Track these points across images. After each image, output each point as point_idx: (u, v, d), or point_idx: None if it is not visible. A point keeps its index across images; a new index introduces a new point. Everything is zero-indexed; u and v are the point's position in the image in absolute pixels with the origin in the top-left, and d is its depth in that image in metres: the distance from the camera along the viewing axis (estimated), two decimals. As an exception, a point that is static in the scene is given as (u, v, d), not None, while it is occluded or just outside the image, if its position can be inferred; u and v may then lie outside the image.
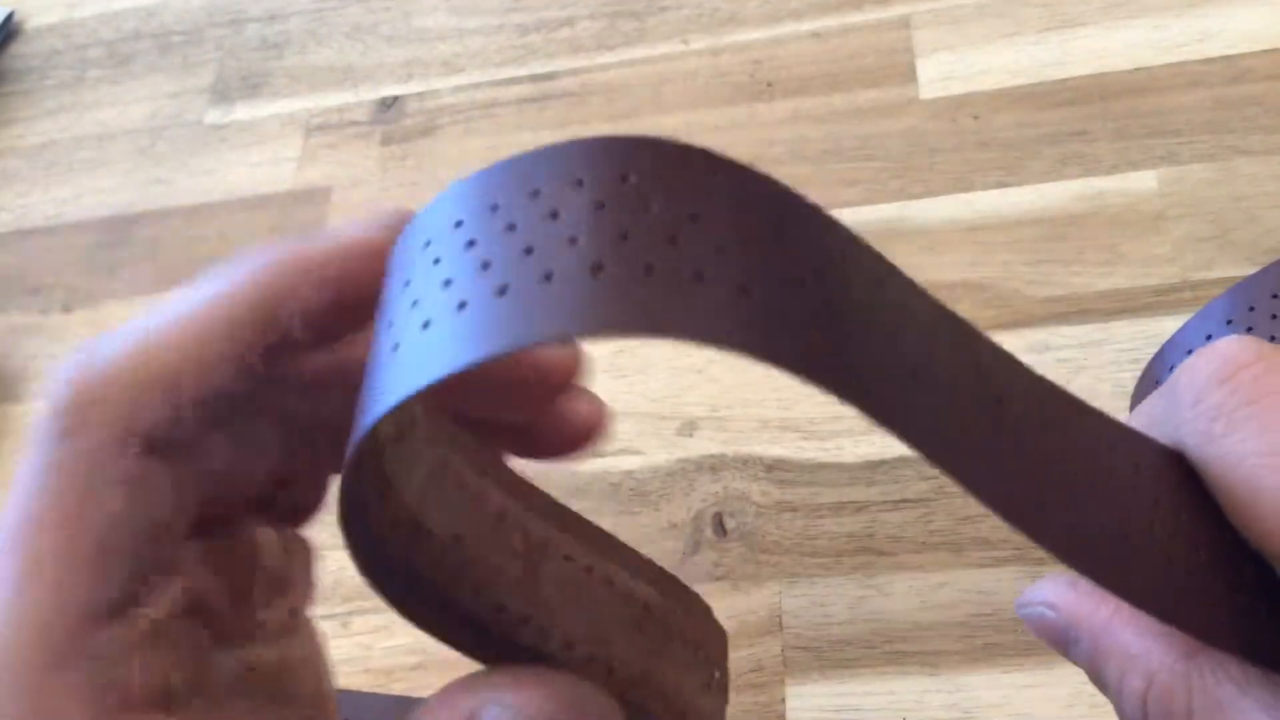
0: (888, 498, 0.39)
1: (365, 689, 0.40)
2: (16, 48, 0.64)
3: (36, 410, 0.51)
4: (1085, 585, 0.19)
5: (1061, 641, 0.20)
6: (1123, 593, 0.16)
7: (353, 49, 0.58)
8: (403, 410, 0.14)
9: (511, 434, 0.20)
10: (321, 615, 0.28)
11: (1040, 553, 0.37)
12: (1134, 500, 0.17)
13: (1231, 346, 0.18)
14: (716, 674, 0.21)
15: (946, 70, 0.48)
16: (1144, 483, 0.17)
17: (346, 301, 0.17)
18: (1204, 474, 0.17)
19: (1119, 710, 0.19)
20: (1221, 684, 0.17)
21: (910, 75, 0.48)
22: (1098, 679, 0.19)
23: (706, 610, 0.22)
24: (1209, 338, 0.33)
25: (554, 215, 0.14)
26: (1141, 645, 0.18)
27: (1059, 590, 0.20)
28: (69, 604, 0.16)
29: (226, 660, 0.19)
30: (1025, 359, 0.17)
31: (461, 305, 0.13)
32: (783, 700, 0.36)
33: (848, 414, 0.39)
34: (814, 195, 0.14)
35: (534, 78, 0.54)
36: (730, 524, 0.40)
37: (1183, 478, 0.18)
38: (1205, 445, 0.17)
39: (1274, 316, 0.33)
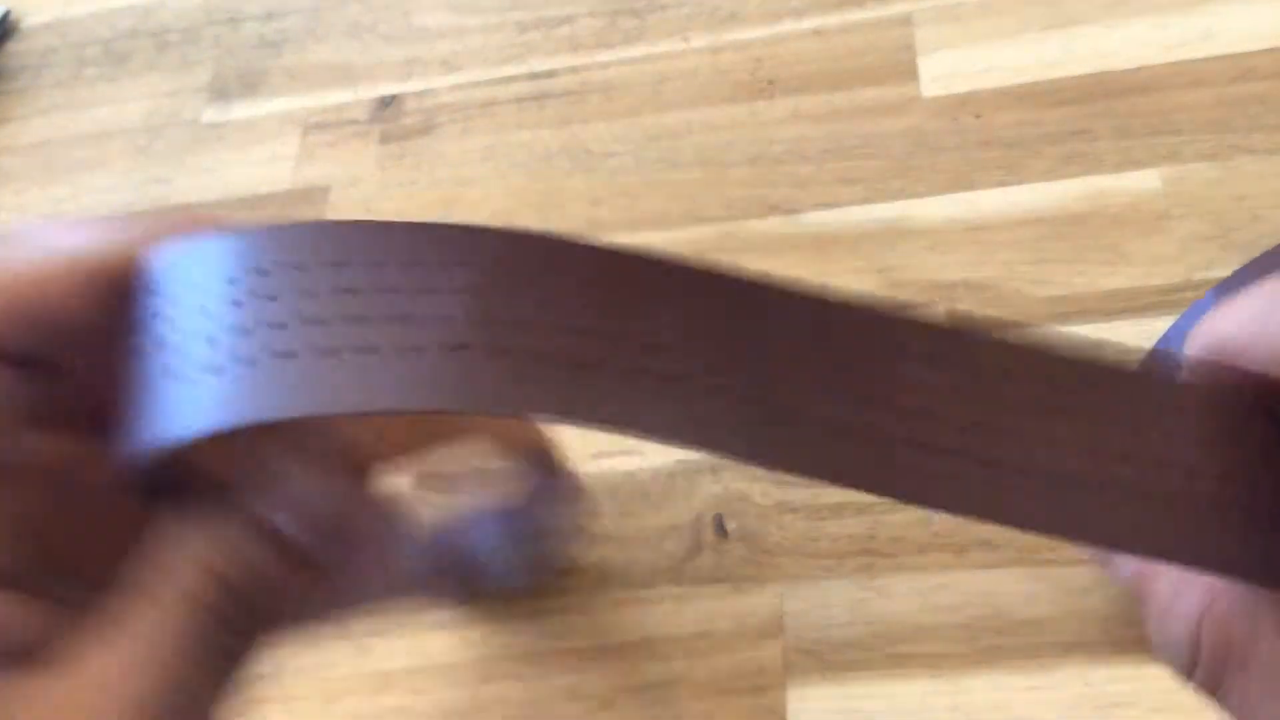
0: (889, 499, 0.39)
1: (362, 693, 0.39)
2: (12, 46, 0.63)
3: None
4: None
5: (1103, 554, 0.18)
6: (1204, 565, 0.15)
7: (351, 47, 0.57)
8: None
9: None
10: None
11: (1044, 553, 0.37)
12: (1197, 460, 0.16)
13: None
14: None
15: (948, 68, 0.48)
16: (1203, 436, 0.16)
17: None
18: None
19: (1160, 635, 0.17)
20: None
21: (912, 73, 0.48)
22: (1142, 596, 0.17)
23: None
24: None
25: (273, 298, 0.17)
26: None
27: None
28: None
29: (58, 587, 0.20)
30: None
31: (250, 361, 0.16)
32: (784, 703, 0.36)
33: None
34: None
35: (533, 76, 0.53)
36: (731, 525, 0.40)
37: (1251, 419, 0.16)
38: None
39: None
